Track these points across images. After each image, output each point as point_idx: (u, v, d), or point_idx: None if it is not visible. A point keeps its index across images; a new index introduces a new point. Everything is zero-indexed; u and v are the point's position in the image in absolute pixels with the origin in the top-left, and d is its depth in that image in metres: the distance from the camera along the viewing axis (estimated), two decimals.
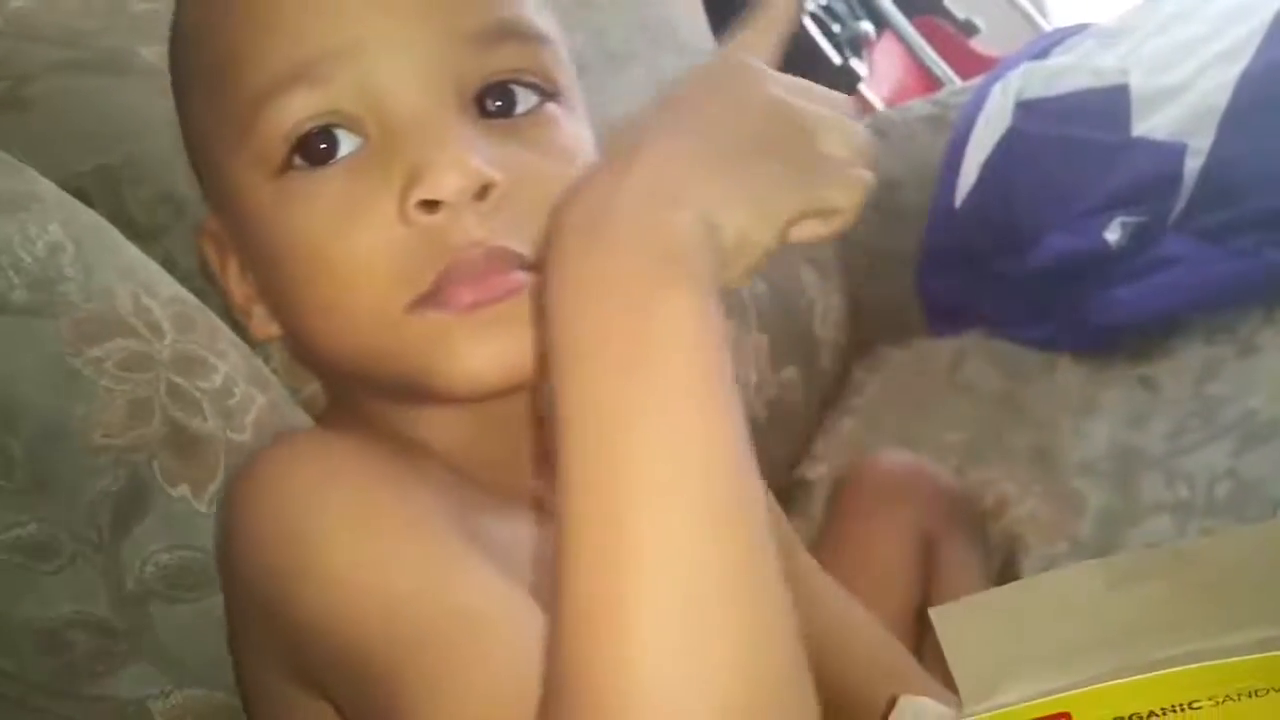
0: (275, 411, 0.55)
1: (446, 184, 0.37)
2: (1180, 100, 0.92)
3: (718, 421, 0.28)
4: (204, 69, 0.42)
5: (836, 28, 1.65)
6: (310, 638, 0.36)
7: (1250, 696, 0.35)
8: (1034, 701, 0.34)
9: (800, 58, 1.57)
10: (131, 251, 0.56)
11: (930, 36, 1.74)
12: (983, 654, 0.38)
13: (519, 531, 0.41)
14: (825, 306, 0.99)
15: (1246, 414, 0.73)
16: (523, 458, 0.44)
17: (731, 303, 0.87)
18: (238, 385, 0.54)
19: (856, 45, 1.67)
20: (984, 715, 0.35)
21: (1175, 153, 0.89)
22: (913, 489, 0.70)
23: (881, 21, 1.73)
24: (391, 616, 0.34)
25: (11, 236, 0.51)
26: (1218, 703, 0.35)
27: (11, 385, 0.48)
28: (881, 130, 1.14)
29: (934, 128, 1.09)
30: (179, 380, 0.52)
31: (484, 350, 0.39)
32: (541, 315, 0.30)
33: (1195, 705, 0.35)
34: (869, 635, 0.55)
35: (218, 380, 0.53)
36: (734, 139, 0.31)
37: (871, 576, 0.64)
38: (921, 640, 0.60)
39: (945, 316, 1.02)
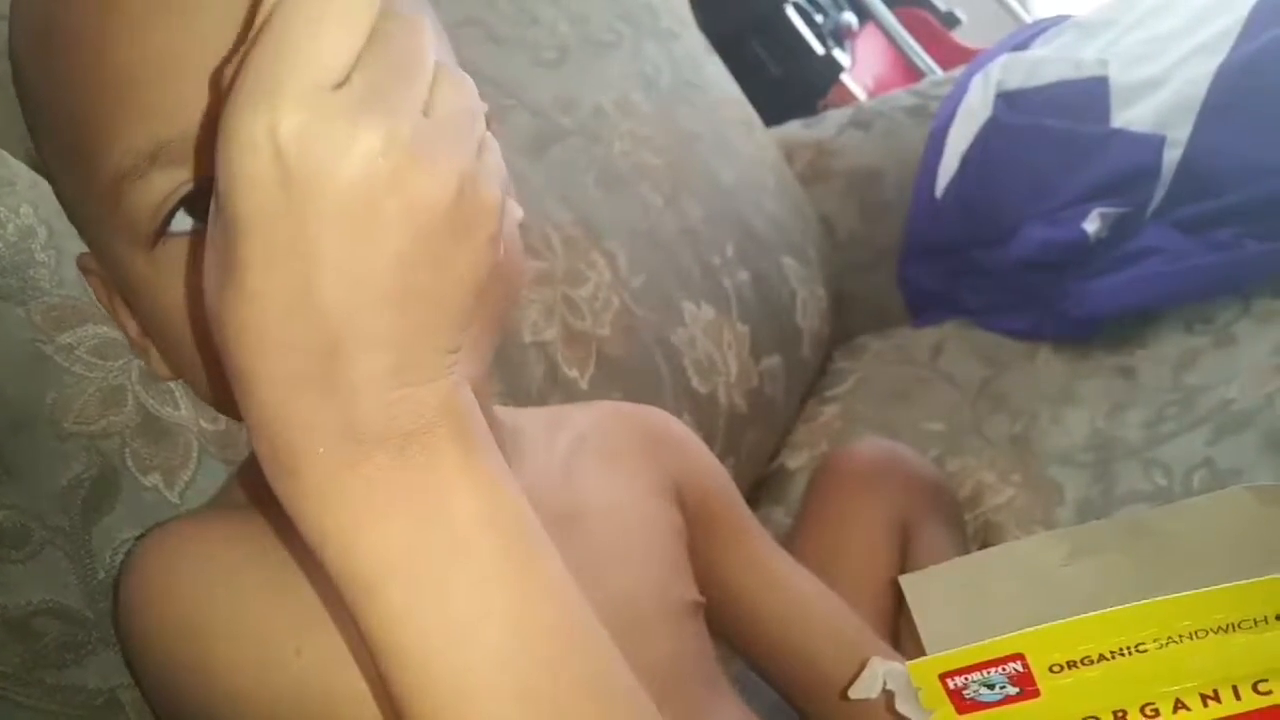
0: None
1: None
2: (1159, 92, 0.92)
3: (530, 589, 0.29)
4: (50, 129, 0.39)
5: (820, 18, 1.65)
6: None
7: (1191, 638, 0.36)
8: (989, 641, 0.35)
9: (784, 47, 1.58)
10: None
11: (912, 28, 1.74)
12: (948, 616, 0.39)
13: None
14: (807, 296, 0.99)
15: (1223, 403, 0.74)
16: None
17: (714, 292, 0.87)
18: None
19: (839, 36, 1.67)
20: (942, 655, 0.35)
21: (1154, 144, 0.89)
22: (890, 474, 0.70)
23: (864, 13, 1.73)
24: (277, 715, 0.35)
25: None
26: (1161, 644, 0.36)
27: None
28: (864, 121, 1.15)
29: (915, 118, 1.09)
30: None
31: None
32: None
33: (1141, 648, 0.36)
34: (833, 612, 0.56)
35: (169, 381, 0.52)
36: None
37: (849, 561, 0.64)
38: (897, 624, 0.60)
39: (926, 307, 1.02)
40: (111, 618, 0.46)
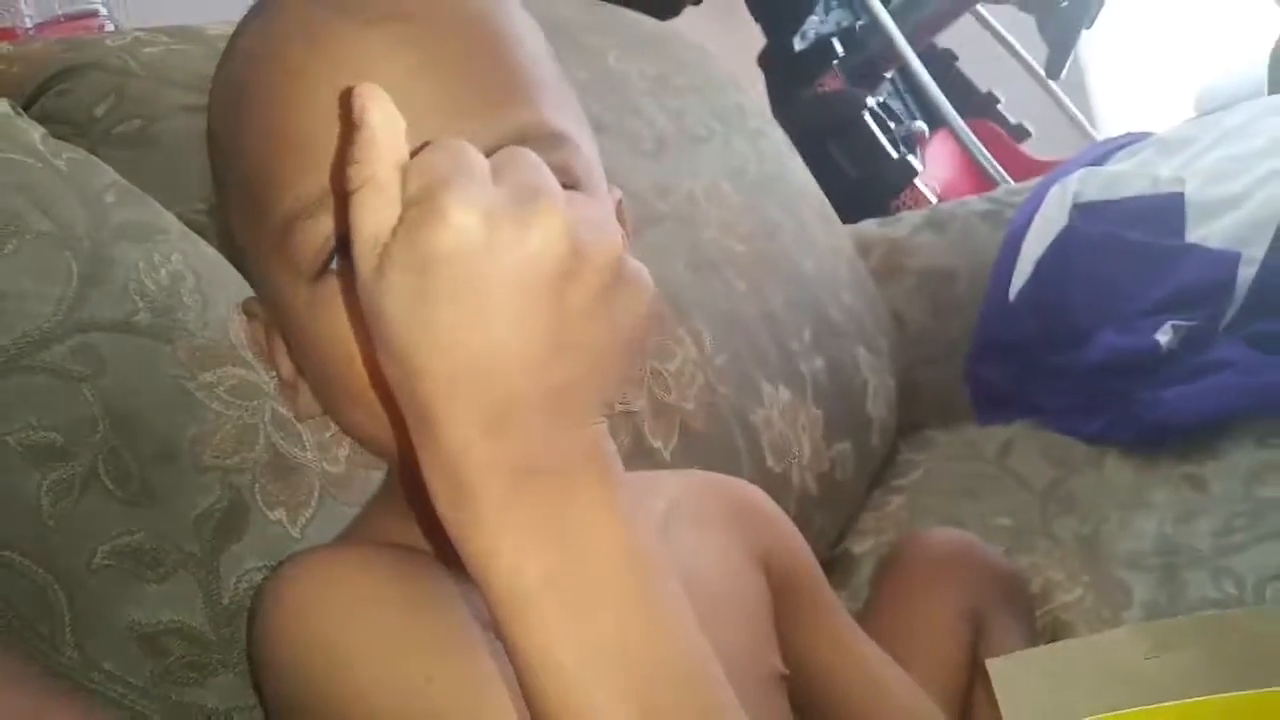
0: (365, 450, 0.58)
1: None
2: (1236, 211, 0.95)
3: (662, 620, 0.32)
4: (235, 177, 0.43)
5: (893, 125, 1.71)
6: None
7: None
8: None
9: (860, 150, 1.63)
10: (244, 285, 0.59)
11: (982, 138, 1.78)
12: (1033, 702, 0.40)
13: None
14: (878, 386, 1.01)
15: None
16: None
17: (791, 375, 0.90)
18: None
19: (911, 142, 1.72)
20: None
21: (1229, 261, 0.92)
22: (962, 565, 0.71)
23: (936, 121, 1.78)
24: None
25: (138, 263, 0.55)
26: None
27: (133, 401, 0.51)
28: (939, 223, 1.18)
29: (990, 223, 1.13)
30: (283, 410, 0.55)
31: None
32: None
33: None
34: (909, 693, 0.57)
35: (314, 419, 0.56)
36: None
37: (920, 645, 0.65)
38: (966, 713, 0.61)
39: (992, 405, 1.04)
40: (246, 641, 0.48)
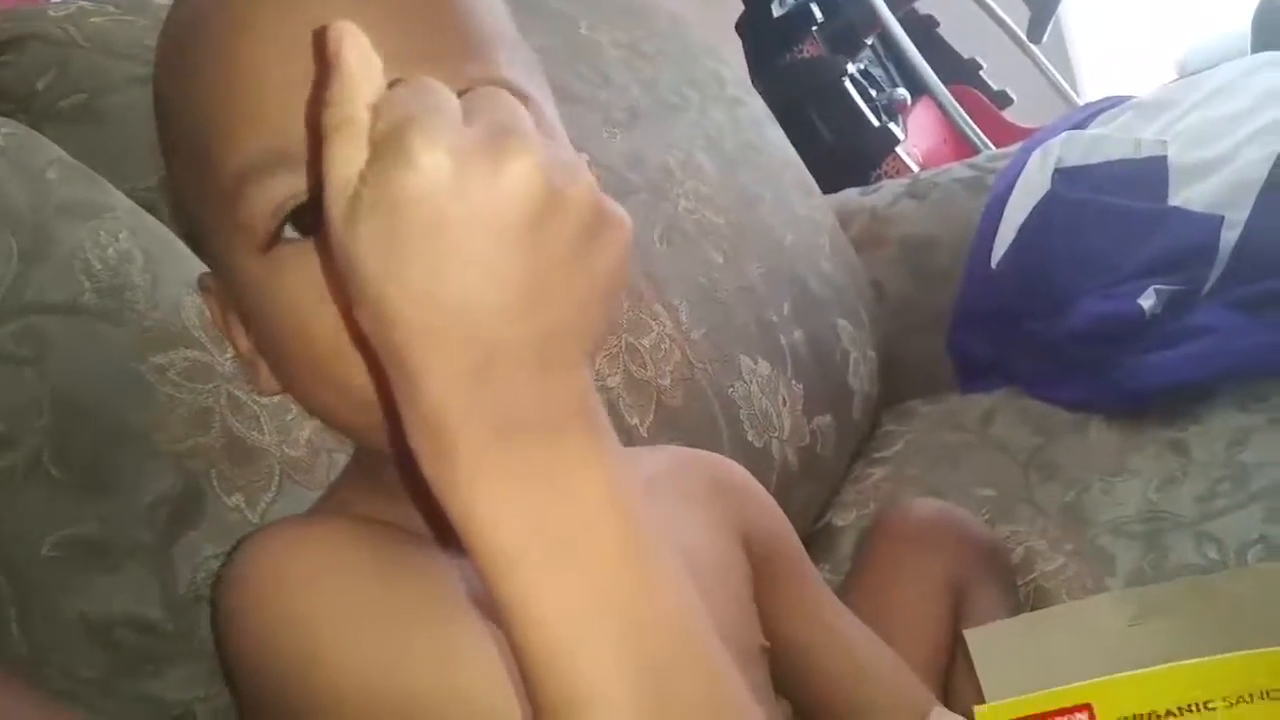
0: (328, 430, 0.56)
1: None
2: (1218, 174, 0.94)
3: (650, 572, 0.31)
4: (184, 141, 0.41)
5: (874, 92, 1.69)
6: None
7: (1263, 698, 0.36)
8: (1057, 690, 0.36)
9: (841, 119, 1.61)
10: (196, 264, 0.57)
11: (964, 104, 1.77)
12: (1012, 670, 0.39)
13: None
14: (859, 358, 1.00)
15: (1277, 483, 0.74)
16: None
17: (771, 348, 0.88)
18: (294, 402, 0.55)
19: (893, 110, 1.70)
20: (1011, 700, 0.36)
21: (1212, 224, 0.91)
22: (944, 536, 0.70)
23: (918, 88, 1.76)
24: (407, 713, 0.35)
25: (84, 241, 0.53)
26: (1230, 704, 0.36)
27: (80, 384, 0.49)
28: (920, 191, 1.16)
29: (971, 191, 1.11)
30: (239, 393, 0.54)
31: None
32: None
33: (1210, 705, 0.36)
34: (889, 664, 0.56)
35: (275, 395, 0.54)
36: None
37: (902, 616, 0.64)
38: (949, 682, 0.60)
39: (975, 374, 1.03)
40: (211, 627, 0.47)
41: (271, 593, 0.39)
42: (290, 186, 0.37)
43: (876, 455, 0.98)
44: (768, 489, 0.82)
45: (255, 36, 0.37)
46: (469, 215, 0.27)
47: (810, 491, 0.91)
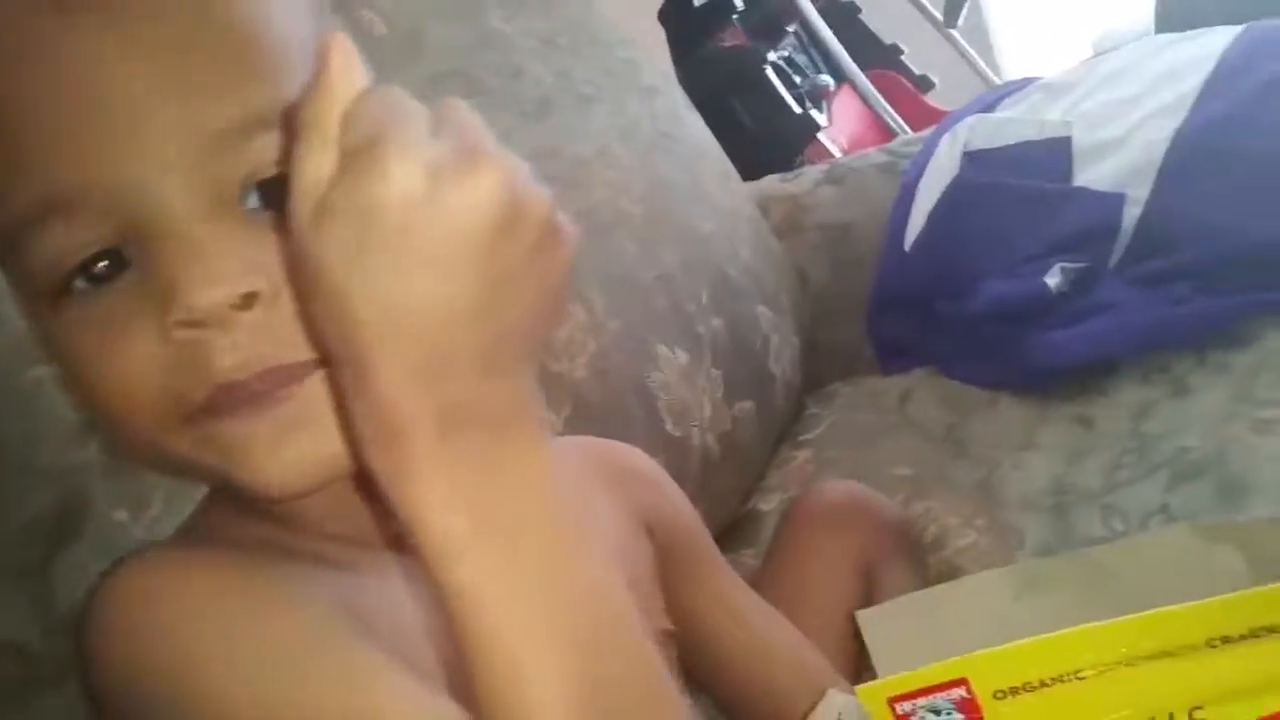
0: None
1: (201, 299, 0.35)
2: (1120, 153, 0.96)
3: (590, 565, 0.33)
4: None
5: (798, 79, 1.70)
6: None
7: (1128, 665, 0.38)
8: (933, 666, 0.37)
9: (763, 106, 1.62)
10: None
11: (887, 90, 1.79)
12: (901, 648, 0.40)
13: (397, 594, 0.41)
14: (780, 344, 1.01)
15: (1179, 451, 0.76)
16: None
17: (689, 337, 0.89)
18: None
19: (816, 97, 1.72)
20: (889, 679, 0.37)
21: (1114, 203, 0.93)
22: (854, 516, 0.71)
23: (840, 75, 1.78)
24: None
25: None
26: (1100, 671, 0.38)
27: None
28: (837, 177, 1.18)
29: (887, 175, 1.13)
30: None
31: (284, 457, 0.37)
32: (346, 409, 0.32)
33: (1080, 674, 0.38)
34: (795, 646, 0.57)
35: None
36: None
37: (813, 599, 0.65)
38: (860, 662, 0.62)
39: (895, 356, 1.05)
40: (77, 654, 0.44)
41: (145, 627, 0.38)
42: (65, 238, 0.36)
43: (800, 438, 1.00)
44: (688, 477, 0.83)
45: (27, 72, 0.36)
46: (436, 225, 0.29)
47: (733, 477, 0.92)
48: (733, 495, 0.92)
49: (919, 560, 0.74)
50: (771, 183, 1.22)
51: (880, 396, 0.99)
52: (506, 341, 0.31)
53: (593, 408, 0.77)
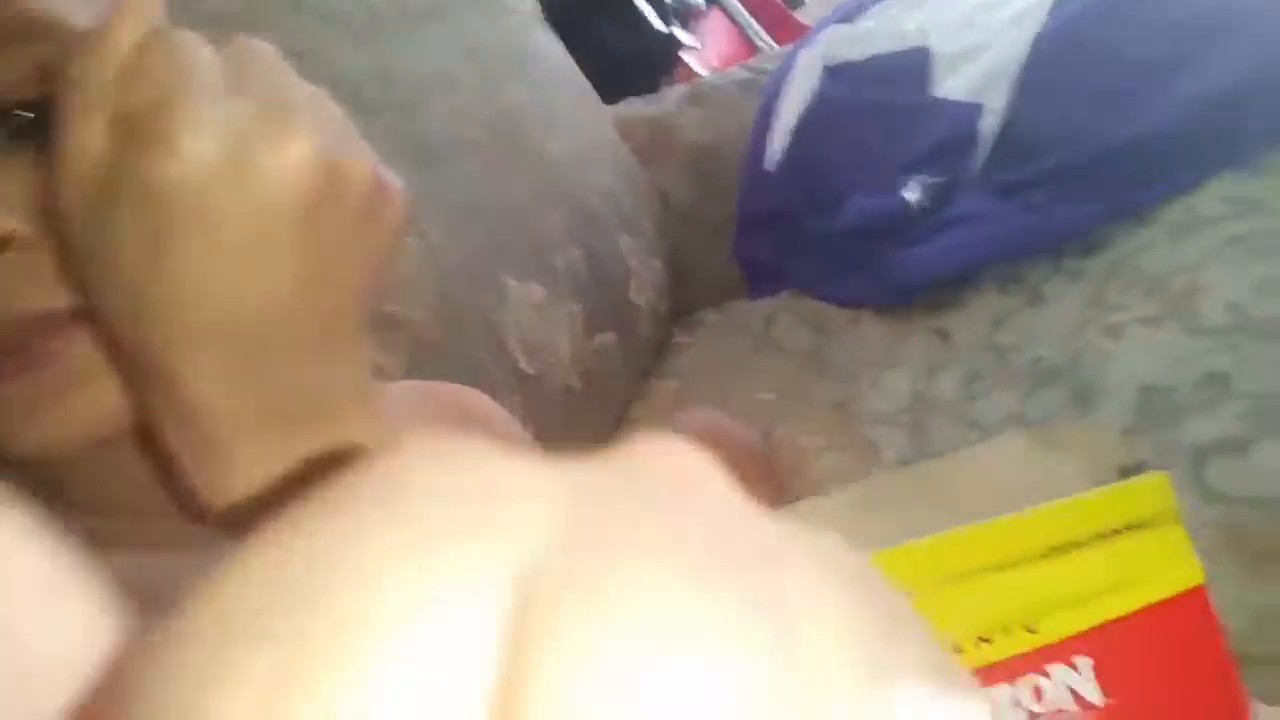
0: None
1: None
2: (977, 62, 0.94)
3: None
4: None
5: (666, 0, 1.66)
6: None
7: (957, 580, 0.37)
8: None
9: (627, 26, 1.56)
10: None
11: (757, 8, 1.75)
12: None
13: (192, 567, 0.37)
14: (642, 272, 0.98)
15: (1033, 361, 0.76)
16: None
17: (543, 271, 0.85)
18: None
19: (685, 17, 1.67)
20: None
21: (971, 113, 0.91)
22: (710, 446, 0.69)
23: None
24: None
25: None
26: (936, 585, 0.36)
27: None
28: (700, 96, 1.14)
29: (748, 93, 1.10)
30: None
31: (48, 420, 0.32)
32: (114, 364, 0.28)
33: (914, 591, 0.36)
34: None
35: None
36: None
37: None
38: None
39: (762, 279, 1.03)
40: None
41: None
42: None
43: (667, 368, 0.97)
44: (551, 415, 0.80)
45: None
46: (240, 203, 0.25)
47: (599, 412, 0.89)
48: (601, 430, 0.89)
49: (781, 484, 0.72)
50: (633, 105, 1.18)
51: (745, 321, 0.98)
52: (335, 321, 0.27)
53: (434, 350, 0.73)
